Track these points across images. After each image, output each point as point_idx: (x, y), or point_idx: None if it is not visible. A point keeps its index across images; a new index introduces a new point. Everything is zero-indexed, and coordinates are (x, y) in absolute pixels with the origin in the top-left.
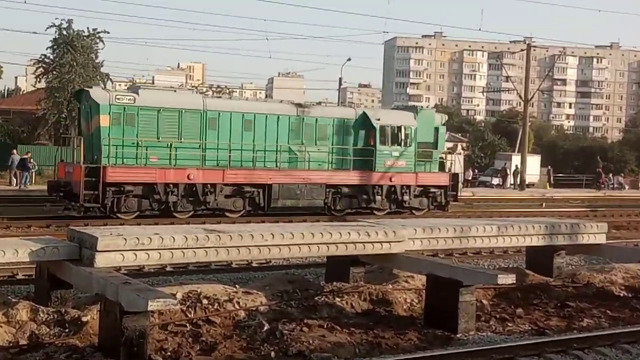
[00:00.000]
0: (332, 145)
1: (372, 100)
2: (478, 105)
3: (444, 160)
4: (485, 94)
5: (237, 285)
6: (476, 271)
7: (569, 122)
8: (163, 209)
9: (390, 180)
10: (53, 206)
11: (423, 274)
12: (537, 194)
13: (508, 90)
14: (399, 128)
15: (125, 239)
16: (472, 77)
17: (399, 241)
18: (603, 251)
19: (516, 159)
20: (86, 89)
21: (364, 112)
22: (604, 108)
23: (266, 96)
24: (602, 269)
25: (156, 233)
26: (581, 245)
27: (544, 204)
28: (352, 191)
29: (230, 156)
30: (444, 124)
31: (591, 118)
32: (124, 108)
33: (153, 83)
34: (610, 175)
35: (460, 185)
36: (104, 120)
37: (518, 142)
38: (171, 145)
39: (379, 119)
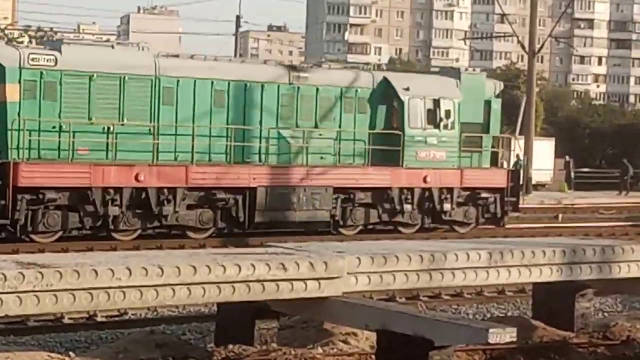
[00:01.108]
0: (340, 127)
1: (290, 52)
2: (457, 59)
3: (499, 151)
4: (468, 42)
5: (71, 353)
6: (455, 323)
7: (598, 86)
8: (99, 227)
9: (425, 181)
10: None
11: (371, 330)
12: (549, 201)
13: (504, 37)
14: (437, 102)
15: None
16: (448, 15)
17: (334, 277)
18: None
19: (517, 146)
20: None
21: (385, 78)
22: None
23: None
24: None
25: None
26: (617, 281)
27: (560, 217)
28: (369, 197)
29: (193, 146)
30: (498, 96)
31: (632, 80)
32: (41, 73)
33: None
34: None
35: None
36: (12, 93)
37: (520, 118)
38: (109, 129)
39: (407, 89)
